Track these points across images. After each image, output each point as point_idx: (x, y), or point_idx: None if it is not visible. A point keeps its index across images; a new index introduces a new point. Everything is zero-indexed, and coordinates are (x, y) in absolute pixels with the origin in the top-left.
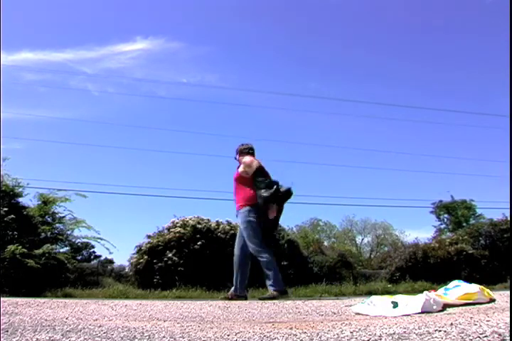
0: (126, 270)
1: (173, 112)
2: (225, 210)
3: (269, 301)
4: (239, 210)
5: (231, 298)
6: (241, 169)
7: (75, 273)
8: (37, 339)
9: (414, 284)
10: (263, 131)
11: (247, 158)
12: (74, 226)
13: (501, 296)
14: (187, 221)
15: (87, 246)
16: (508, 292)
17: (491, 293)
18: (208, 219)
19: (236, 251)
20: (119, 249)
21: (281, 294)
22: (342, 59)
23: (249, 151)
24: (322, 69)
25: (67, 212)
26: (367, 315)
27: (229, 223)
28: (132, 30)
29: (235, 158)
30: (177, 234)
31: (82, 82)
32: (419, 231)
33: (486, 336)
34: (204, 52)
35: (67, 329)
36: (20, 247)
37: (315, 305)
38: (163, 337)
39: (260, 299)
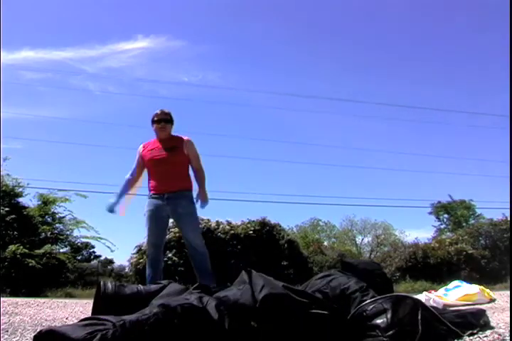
0: (126, 270)
1: (174, 112)
2: (225, 210)
3: None
4: (179, 192)
5: None
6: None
7: (75, 273)
8: None
9: (414, 284)
10: (263, 131)
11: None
12: (74, 226)
13: (501, 296)
14: None
15: (87, 246)
16: (508, 292)
17: (491, 293)
18: (208, 219)
19: (159, 242)
20: (119, 249)
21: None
22: (342, 59)
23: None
24: (323, 69)
25: (67, 212)
26: None
27: (229, 223)
28: (133, 29)
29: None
30: (177, 234)
31: (82, 81)
32: (419, 231)
33: (486, 336)
34: (205, 50)
35: None
36: (21, 247)
37: None
38: None
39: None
